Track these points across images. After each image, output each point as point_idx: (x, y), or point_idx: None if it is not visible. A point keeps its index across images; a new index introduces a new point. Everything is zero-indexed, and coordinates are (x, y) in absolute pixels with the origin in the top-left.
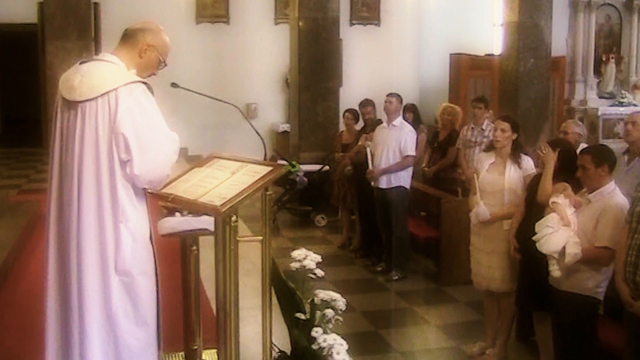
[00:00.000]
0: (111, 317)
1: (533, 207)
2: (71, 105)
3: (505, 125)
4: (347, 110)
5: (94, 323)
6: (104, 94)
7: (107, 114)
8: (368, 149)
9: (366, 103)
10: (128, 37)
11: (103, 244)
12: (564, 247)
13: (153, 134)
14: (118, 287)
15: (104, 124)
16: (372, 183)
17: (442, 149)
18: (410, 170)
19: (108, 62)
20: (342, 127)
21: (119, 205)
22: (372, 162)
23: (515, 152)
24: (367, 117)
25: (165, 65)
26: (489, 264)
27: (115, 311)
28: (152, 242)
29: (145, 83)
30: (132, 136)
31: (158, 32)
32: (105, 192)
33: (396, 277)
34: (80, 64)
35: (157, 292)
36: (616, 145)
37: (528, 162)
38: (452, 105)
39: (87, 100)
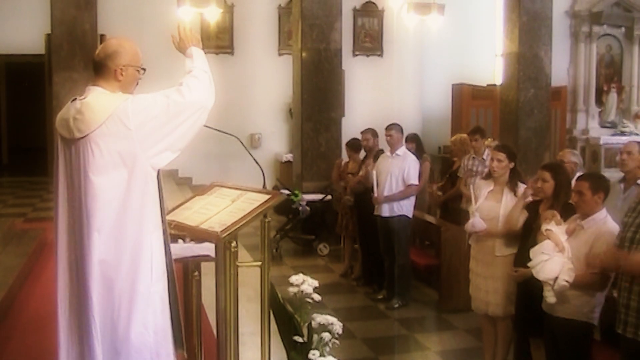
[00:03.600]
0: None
1: (530, 234)
2: (70, 142)
3: (501, 156)
4: (346, 144)
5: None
6: (103, 123)
7: (117, 132)
8: (374, 174)
9: (366, 131)
10: (99, 68)
11: (135, 259)
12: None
13: (168, 91)
14: (145, 300)
15: (118, 140)
16: (376, 207)
17: (453, 179)
18: (412, 199)
19: (96, 93)
20: (345, 156)
21: (149, 217)
22: (377, 189)
23: (512, 180)
24: (365, 144)
25: (145, 70)
26: (486, 288)
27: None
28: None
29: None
30: (161, 115)
31: (122, 49)
32: (131, 205)
33: (397, 305)
34: (72, 101)
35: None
36: (618, 175)
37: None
38: (463, 135)
39: (85, 136)
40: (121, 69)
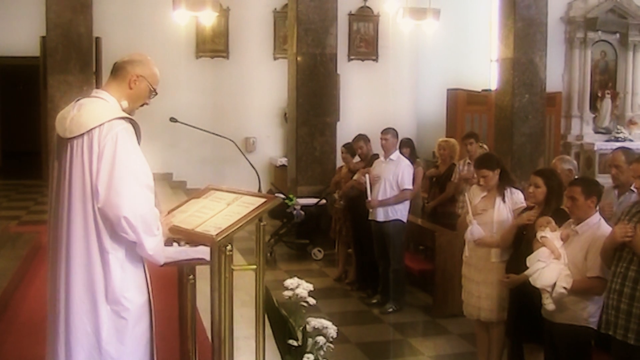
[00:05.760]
0: (102, 346)
1: (523, 240)
2: (63, 141)
3: (484, 172)
4: (343, 146)
5: (82, 352)
6: (89, 130)
7: (90, 149)
8: (367, 178)
9: (358, 138)
10: (117, 70)
11: (91, 274)
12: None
13: (120, 174)
14: (108, 317)
15: (89, 159)
16: (370, 211)
17: (441, 183)
18: (407, 203)
19: (99, 98)
20: (339, 160)
21: (106, 236)
22: (371, 193)
23: (501, 185)
24: (360, 153)
25: (156, 94)
26: (478, 293)
27: (107, 340)
28: (145, 271)
29: (131, 120)
30: (104, 171)
31: (146, 62)
32: (90, 223)
33: (391, 310)
34: (77, 101)
35: (152, 321)
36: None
37: (518, 196)
38: (446, 139)
39: (75, 137)
40: (137, 77)
